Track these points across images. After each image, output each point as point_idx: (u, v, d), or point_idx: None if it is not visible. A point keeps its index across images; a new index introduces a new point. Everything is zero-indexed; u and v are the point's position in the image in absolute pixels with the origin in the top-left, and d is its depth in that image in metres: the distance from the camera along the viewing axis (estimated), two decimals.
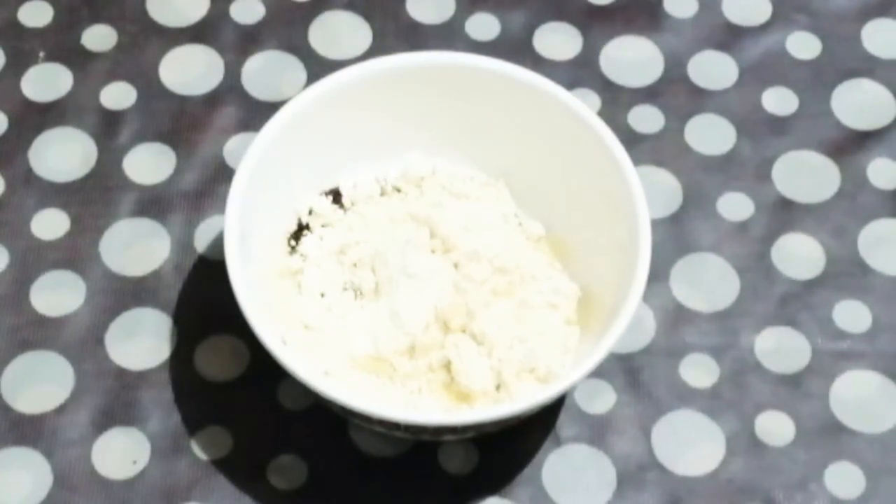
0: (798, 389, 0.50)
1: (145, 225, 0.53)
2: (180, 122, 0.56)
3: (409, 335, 0.47)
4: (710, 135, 0.56)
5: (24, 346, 0.50)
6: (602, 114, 0.51)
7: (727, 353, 0.51)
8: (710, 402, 0.50)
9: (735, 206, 0.54)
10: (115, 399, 0.49)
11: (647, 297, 0.48)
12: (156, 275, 0.52)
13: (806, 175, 0.55)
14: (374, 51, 0.58)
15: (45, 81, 0.56)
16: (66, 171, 0.54)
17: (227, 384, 0.50)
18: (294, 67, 0.57)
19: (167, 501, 0.47)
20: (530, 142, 0.51)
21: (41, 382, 0.50)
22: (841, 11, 0.60)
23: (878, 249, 0.54)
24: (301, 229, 0.51)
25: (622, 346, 0.50)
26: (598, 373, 0.48)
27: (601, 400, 0.50)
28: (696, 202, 0.54)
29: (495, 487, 0.48)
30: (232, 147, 0.55)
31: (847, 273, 0.53)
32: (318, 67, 0.57)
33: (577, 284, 0.49)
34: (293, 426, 0.49)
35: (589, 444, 0.49)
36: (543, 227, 0.51)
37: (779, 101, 0.57)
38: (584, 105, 0.49)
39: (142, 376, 0.50)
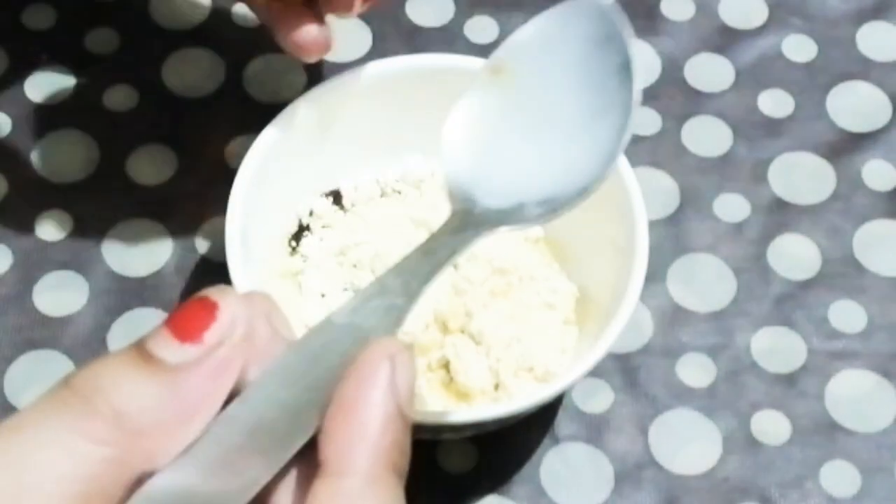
0: (793, 389, 0.51)
1: (147, 226, 0.53)
2: (182, 124, 0.56)
3: (409, 335, 0.47)
4: (707, 136, 0.57)
5: (28, 345, 0.51)
6: None
7: (723, 352, 0.51)
8: (707, 401, 0.50)
9: (731, 207, 0.55)
10: None
11: (644, 298, 0.49)
12: (158, 275, 0.52)
13: (801, 176, 0.56)
14: (373, 53, 0.58)
15: (48, 84, 0.57)
16: (69, 172, 0.54)
17: None
18: (295, 70, 0.58)
19: None
20: None
21: (44, 382, 0.49)
22: (836, 14, 0.60)
23: (873, 250, 0.54)
24: (302, 230, 0.51)
25: (619, 346, 0.50)
26: (596, 372, 0.48)
27: (599, 399, 0.50)
28: (692, 203, 0.55)
29: (494, 486, 0.48)
30: (233, 149, 0.55)
31: (842, 273, 0.53)
32: (318, 70, 0.57)
33: (575, 285, 0.50)
34: None
35: (587, 442, 0.49)
36: (541, 228, 0.51)
37: (774, 103, 0.58)
38: None
39: None
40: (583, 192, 0.37)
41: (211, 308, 0.30)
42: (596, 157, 0.37)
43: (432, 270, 0.34)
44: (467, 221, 0.37)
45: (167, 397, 0.30)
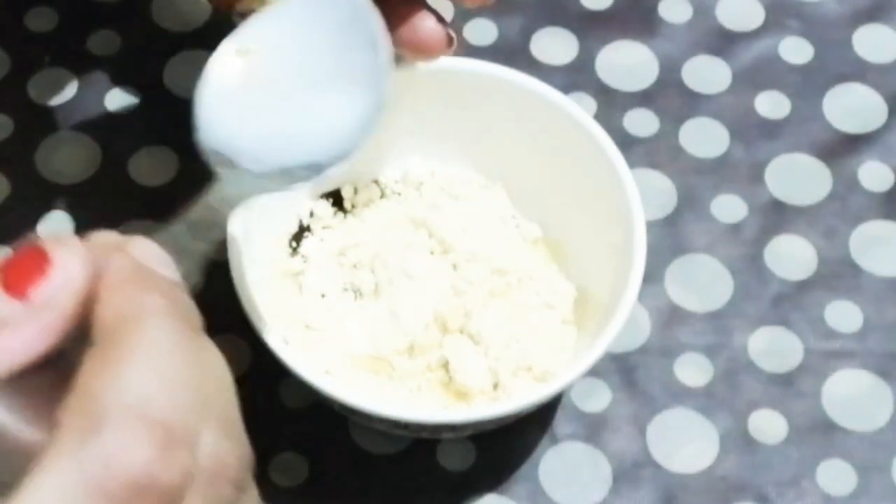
0: (790, 388, 0.51)
1: (149, 227, 0.53)
2: (183, 126, 0.56)
3: (408, 335, 0.48)
4: (704, 138, 0.57)
5: None
6: (598, 117, 0.51)
7: (721, 352, 0.52)
8: (704, 400, 0.51)
9: (728, 208, 0.55)
10: None
11: (642, 298, 0.49)
12: None
13: (798, 177, 0.56)
14: None
15: (51, 85, 0.57)
16: (70, 173, 0.55)
17: None
18: None
19: None
20: (527, 145, 0.51)
21: None
22: (833, 17, 0.60)
23: (869, 250, 0.54)
24: (302, 231, 0.51)
25: (618, 346, 0.51)
26: (594, 372, 0.48)
27: (597, 398, 0.51)
28: (690, 204, 0.55)
29: (493, 484, 0.49)
30: None
31: (838, 274, 0.54)
32: None
33: (574, 285, 0.50)
34: (294, 424, 0.49)
35: (585, 441, 0.50)
36: (540, 229, 0.52)
37: (771, 104, 0.58)
38: (580, 109, 0.50)
39: None
40: (344, 156, 0.41)
41: (41, 261, 0.28)
42: (353, 125, 0.41)
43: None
44: (241, 184, 0.41)
45: None
